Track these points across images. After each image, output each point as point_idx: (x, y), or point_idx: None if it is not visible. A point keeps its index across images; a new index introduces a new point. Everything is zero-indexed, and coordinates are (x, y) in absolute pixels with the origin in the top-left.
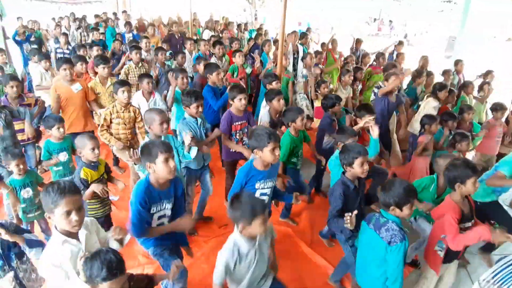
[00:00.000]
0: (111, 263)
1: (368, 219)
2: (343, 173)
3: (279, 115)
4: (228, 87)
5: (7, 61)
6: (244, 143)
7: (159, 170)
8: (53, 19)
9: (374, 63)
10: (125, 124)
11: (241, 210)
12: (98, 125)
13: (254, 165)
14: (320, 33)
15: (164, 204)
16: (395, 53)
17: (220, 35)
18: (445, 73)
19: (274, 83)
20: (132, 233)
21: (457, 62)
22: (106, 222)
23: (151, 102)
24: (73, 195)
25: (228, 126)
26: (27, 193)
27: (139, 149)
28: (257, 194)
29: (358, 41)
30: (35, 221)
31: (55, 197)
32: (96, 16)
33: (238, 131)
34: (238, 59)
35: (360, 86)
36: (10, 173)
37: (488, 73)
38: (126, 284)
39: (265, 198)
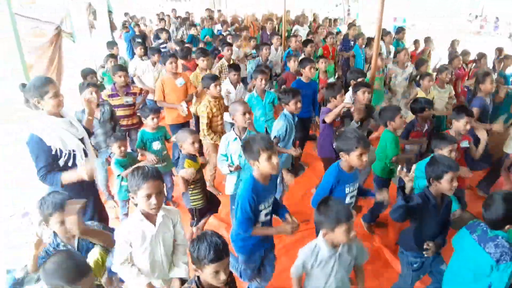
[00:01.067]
0: (217, 245)
1: (472, 229)
2: (427, 186)
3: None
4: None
5: (118, 53)
6: None
7: (263, 167)
8: (159, 14)
9: (475, 64)
10: (220, 112)
11: (325, 215)
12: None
13: (341, 167)
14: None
15: (270, 199)
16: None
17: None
18: None
19: (359, 80)
20: (237, 230)
21: None
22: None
23: (238, 89)
24: (154, 180)
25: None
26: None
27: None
28: (347, 199)
29: (453, 43)
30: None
31: (139, 181)
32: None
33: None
34: (321, 65)
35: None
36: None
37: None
38: (228, 270)
39: (353, 201)
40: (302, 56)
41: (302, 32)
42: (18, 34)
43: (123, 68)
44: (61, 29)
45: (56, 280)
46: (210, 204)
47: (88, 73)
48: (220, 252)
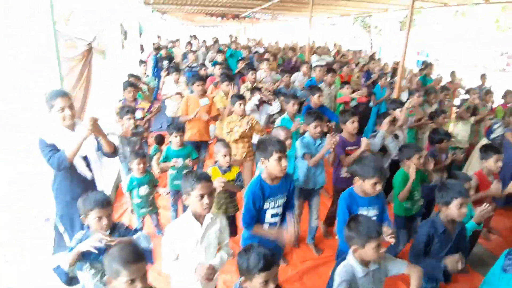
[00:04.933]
0: (266, 255)
1: (506, 264)
2: (438, 213)
3: None
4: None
5: (145, 72)
6: None
7: (271, 166)
8: (192, 37)
9: (503, 100)
10: (243, 133)
11: (356, 231)
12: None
13: (355, 190)
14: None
15: (278, 200)
16: None
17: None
18: None
19: (398, 110)
20: (243, 223)
21: None
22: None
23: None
24: (207, 182)
25: (342, 150)
26: (144, 190)
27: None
28: None
29: (482, 76)
30: (148, 216)
31: (193, 182)
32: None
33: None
34: (345, 91)
35: None
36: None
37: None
38: (276, 279)
39: None
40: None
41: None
42: (58, 48)
43: (131, 84)
44: (92, 46)
45: (116, 264)
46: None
47: (127, 86)
48: (270, 261)
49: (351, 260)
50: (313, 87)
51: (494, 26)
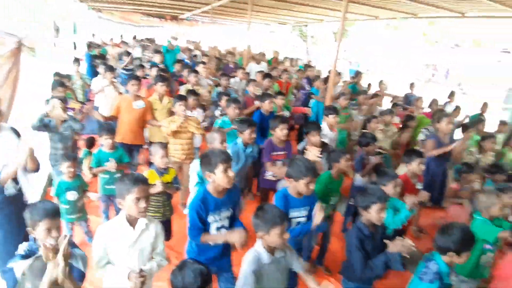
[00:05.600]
0: (202, 272)
1: (422, 272)
2: (359, 218)
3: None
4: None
5: (79, 71)
6: None
7: (218, 179)
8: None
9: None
10: (183, 134)
11: (262, 218)
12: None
13: (289, 192)
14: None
15: (222, 213)
16: (450, 104)
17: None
18: (502, 124)
19: (331, 116)
20: (189, 235)
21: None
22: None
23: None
24: (144, 185)
25: (268, 154)
26: (72, 195)
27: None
28: (293, 224)
29: (411, 85)
30: (77, 223)
31: (129, 185)
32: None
33: (276, 162)
34: (279, 101)
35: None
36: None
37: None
38: None
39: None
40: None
41: (255, 69)
42: None
43: (61, 83)
44: (23, 43)
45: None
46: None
47: (57, 86)
48: (206, 277)
49: (258, 247)
50: (264, 94)
51: (422, 39)
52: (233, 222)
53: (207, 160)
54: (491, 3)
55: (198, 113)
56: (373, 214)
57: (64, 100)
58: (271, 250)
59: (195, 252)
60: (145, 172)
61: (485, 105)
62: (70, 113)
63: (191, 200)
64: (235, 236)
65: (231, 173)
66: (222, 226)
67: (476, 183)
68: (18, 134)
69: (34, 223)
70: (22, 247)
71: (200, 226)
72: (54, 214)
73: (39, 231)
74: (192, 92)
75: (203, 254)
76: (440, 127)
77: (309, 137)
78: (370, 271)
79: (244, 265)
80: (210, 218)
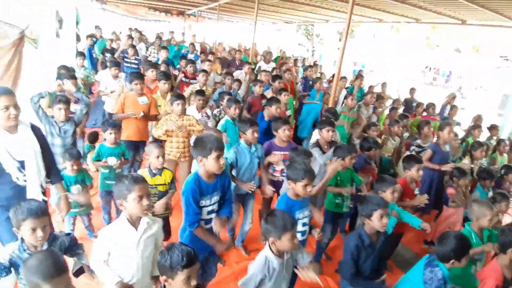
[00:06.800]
0: (189, 251)
1: (427, 277)
2: (363, 225)
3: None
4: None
5: (84, 64)
6: (283, 174)
7: (209, 165)
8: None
9: (425, 113)
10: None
11: (273, 224)
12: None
13: (289, 195)
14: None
15: (213, 197)
16: (448, 106)
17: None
18: (492, 128)
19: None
20: (184, 224)
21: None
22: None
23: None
24: (144, 183)
25: (267, 153)
26: (77, 189)
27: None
28: (299, 225)
29: (411, 90)
30: (79, 216)
31: (129, 185)
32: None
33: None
34: (283, 98)
35: (407, 134)
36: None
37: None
38: (197, 276)
39: (307, 228)
40: (270, 89)
41: (265, 68)
42: None
43: (73, 76)
44: (25, 34)
45: (34, 277)
46: None
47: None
48: (192, 257)
49: (267, 252)
50: (271, 98)
51: (424, 43)
52: (222, 205)
53: (202, 144)
54: (491, 13)
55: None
56: (375, 221)
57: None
58: (280, 254)
59: (189, 238)
60: (139, 171)
61: (479, 117)
62: (77, 105)
63: (185, 186)
64: (221, 248)
65: (222, 161)
66: (212, 211)
67: (465, 187)
68: (36, 130)
69: (19, 223)
70: (8, 251)
71: (197, 210)
72: (39, 213)
73: (23, 231)
74: (201, 92)
75: (194, 242)
76: (442, 135)
77: (322, 131)
78: (356, 283)
79: (253, 269)
80: (202, 202)
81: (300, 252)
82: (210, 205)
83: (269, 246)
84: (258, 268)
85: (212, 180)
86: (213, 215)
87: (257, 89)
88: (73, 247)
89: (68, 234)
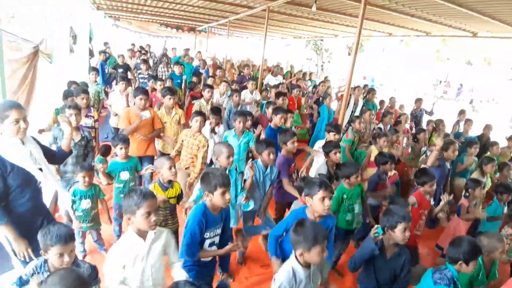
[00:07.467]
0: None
1: (436, 277)
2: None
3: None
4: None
5: (96, 80)
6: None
7: (215, 200)
8: (142, 46)
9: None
10: (190, 149)
11: (304, 236)
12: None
13: (306, 212)
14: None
15: (216, 230)
16: (461, 122)
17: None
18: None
19: (332, 134)
20: (183, 254)
21: None
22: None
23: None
24: (152, 199)
25: (287, 171)
26: (86, 204)
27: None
28: None
29: (417, 101)
30: (88, 231)
31: (138, 200)
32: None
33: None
34: (280, 102)
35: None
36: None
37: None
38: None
39: None
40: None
41: (272, 81)
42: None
43: (85, 90)
44: (39, 48)
45: None
46: None
47: (69, 95)
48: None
49: (293, 263)
50: (277, 108)
51: (434, 56)
52: (222, 239)
53: (208, 180)
54: (502, 25)
55: (221, 130)
56: (398, 233)
57: (85, 107)
58: (306, 264)
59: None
60: (150, 185)
61: (488, 127)
62: (89, 120)
63: (191, 214)
64: (231, 248)
65: (228, 196)
66: (213, 243)
67: (480, 199)
68: (38, 143)
69: (47, 247)
70: (31, 266)
71: (199, 241)
72: (67, 239)
73: (51, 255)
74: (217, 111)
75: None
76: (447, 155)
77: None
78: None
79: (280, 280)
80: (206, 234)
81: (324, 264)
82: (213, 237)
83: (296, 256)
84: (286, 280)
85: (217, 213)
86: (214, 248)
87: (269, 111)
88: (93, 279)
89: (93, 266)
